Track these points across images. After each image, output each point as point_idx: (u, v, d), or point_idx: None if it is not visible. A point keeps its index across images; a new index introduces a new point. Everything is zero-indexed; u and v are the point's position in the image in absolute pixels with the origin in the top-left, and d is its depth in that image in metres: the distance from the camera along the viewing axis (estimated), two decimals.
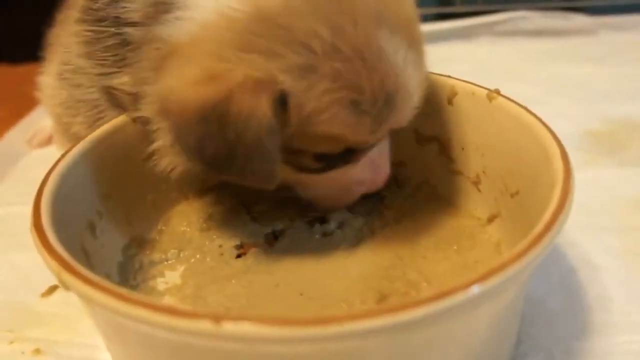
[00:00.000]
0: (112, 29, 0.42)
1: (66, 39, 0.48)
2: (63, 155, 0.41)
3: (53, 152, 0.55)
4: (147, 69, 0.40)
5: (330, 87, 0.36)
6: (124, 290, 0.29)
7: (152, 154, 0.41)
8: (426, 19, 0.87)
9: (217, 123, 0.35)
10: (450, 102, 0.46)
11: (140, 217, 0.46)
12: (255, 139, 0.35)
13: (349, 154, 0.41)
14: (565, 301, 0.44)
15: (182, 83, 0.36)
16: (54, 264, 0.32)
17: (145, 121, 0.42)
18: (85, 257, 0.38)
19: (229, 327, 0.26)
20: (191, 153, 0.37)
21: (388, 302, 0.38)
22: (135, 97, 0.42)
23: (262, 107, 0.35)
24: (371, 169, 0.43)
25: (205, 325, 0.26)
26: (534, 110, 0.42)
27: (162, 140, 0.40)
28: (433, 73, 0.47)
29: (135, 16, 0.40)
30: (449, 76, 0.47)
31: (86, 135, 0.44)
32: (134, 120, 0.44)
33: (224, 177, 0.41)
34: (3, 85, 0.84)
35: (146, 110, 0.41)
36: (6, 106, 0.79)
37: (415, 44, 0.39)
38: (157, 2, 0.39)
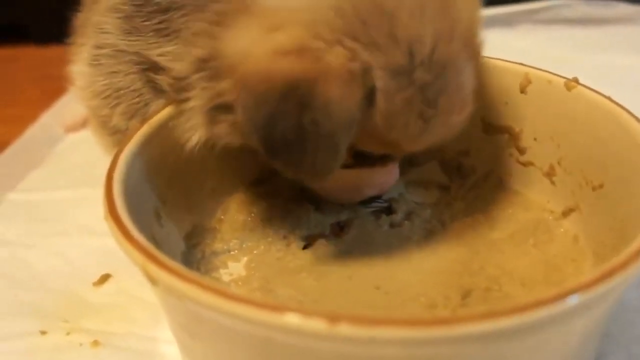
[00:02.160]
0: None
1: (100, 17, 0.43)
2: (126, 141, 0.39)
3: (89, 137, 0.52)
4: (205, 20, 0.36)
5: (416, 96, 0.34)
6: (219, 285, 0.28)
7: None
8: None
9: (296, 103, 0.33)
10: (523, 90, 0.44)
11: (199, 205, 0.45)
12: (332, 131, 0.33)
13: (384, 157, 0.40)
14: None
15: (267, 49, 0.33)
16: (137, 254, 0.30)
17: (177, 78, 0.38)
18: (157, 246, 0.36)
19: (344, 328, 0.25)
20: (255, 128, 0.34)
21: (473, 298, 0.37)
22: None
23: (350, 100, 0.33)
24: (387, 173, 0.42)
25: (319, 325, 0.25)
26: None
27: (195, 101, 0.37)
28: (504, 60, 0.46)
29: None
30: (522, 64, 0.45)
31: (126, 128, 0.42)
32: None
33: (274, 161, 0.37)
34: (33, 67, 0.82)
35: (184, 66, 0.37)
36: (38, 87, 0.77)
37: (477, 77, 0.38)
38: None
